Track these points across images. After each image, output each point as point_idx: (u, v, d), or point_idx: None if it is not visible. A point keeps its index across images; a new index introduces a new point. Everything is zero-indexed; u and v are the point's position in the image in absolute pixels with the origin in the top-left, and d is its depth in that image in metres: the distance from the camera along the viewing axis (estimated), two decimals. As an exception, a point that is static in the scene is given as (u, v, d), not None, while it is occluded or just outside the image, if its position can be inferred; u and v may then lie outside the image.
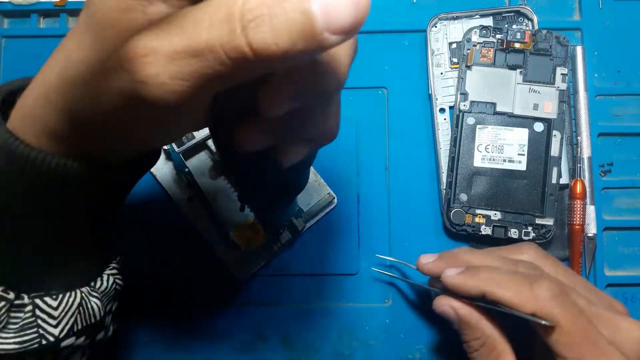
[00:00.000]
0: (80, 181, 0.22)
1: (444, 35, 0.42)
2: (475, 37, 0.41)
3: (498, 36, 0.41)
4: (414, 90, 0.43)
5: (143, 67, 0.16)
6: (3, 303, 0.24)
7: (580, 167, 0.41)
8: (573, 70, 0.42)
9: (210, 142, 0.40)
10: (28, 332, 0.25)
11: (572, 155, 0.41)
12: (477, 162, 0.40)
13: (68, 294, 0.26)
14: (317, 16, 0.14)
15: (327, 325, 0.40)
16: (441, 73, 0.42)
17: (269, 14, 0.14)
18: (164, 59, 0.15)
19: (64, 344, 0.26)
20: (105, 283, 0.29)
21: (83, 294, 0.27)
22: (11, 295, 0.24)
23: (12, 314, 0.24)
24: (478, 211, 0.40)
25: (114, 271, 0.30)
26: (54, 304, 0.25)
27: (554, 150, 0.40)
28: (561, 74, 0.40)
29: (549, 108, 0.40)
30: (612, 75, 0.43)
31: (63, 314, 0.26)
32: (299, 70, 0.17)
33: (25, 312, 0.25)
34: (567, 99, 0.41)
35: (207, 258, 0.40)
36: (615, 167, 0.42)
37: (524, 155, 0.40)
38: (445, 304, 0.32)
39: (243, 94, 0.17)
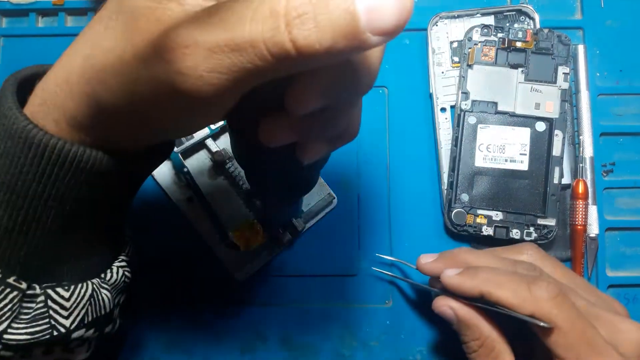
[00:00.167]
0: (97, 170, 0.22)
1: (445, 34, 0.42)
2: (476, 36, 0.41)
3: (499, 35, 0.41)
4: (415, 89, 0.43)
5: (183, 59, 0.16)
6: (15, 293, 0.23)
7: (582, 167, 0.41)
8: (575, 70, 0.42)
9: (209, 142, 0.40)
10: (40, 322, 0.24)
11: (574, 155, 0.41)
12: (479, 161, 0.40)
13: (80, 285, 0.26)
14: (361, 16, 0.14)
15: (328, 325, 0.40)
16: (442, 72, 0.42)
17: (314, 12, 0.14)
18: (204, 51, 0.15)
19: (74, 335, 0.26)
20: (115, 275, 0.28)
21: (94, 286, 0.27)
22: (24, 285, 0.24)
23: (24, 304, 0.24)
24: (479, 211, 0.40)
25: (123, 263, 0.30)
26: (66, 294, 0.25)
27: (556, 150, 0.40)
28: (563, 73, 0.40)
29: (551, 107, 0.40)
30: (614, 74, 0.43)
31: (75, 305, 0.25)
32: (331, 69, 0.17)
33: (38, 303, 0.24)
34: (569, 98, 0.40)
35: (207, 258, 0.40)
36: (617, 167, 0.42)
37: (525, 155, 0.40)
38: (444, 305, 0.32)
39: (270, 88, 0.17)
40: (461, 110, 0.40)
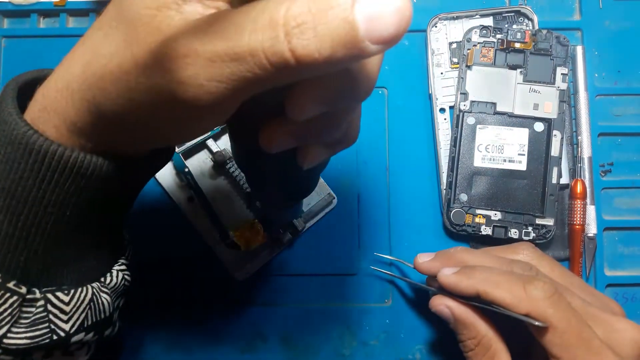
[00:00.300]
0: (98, 176, 0.22)
1: (444, 35, 0.42)
2: (475, 37, 0.41)
3: (498, 36, 0.41)
4: (414, 90, 0.43)
5: (183, 68, 0.16)
6: (15, 297, 0.23)
7: (580, 167, 0.41)
8: (573, 70, 0.42)
9: (210, 142, 0.40)
10: (39, 327, 0.24)
11: (573, 155, 0.41)
12: (478, 162, 0.40)
13: (80, 289, 0.26)
14: (360, 25, 0.14)
15: (327, 325, 0.40)
16: (441, 73, 0.42)
17: (313, 22, 0.14)
18: (204, 60, 0.16)
19: (73, 339, 0.26)
20: (115, 279, 0.29)
21: (94, 290, 0.27)
22: (23, 290, 0.24)
23: (24, 309, 0.24)
24: (478, 211, 0.40)
25: (123, 267, 0.30)
26: (66, 299, 0.25)
27: (554, 150, 0.40)
28: (561, 73, 0.40)
29: (549, 108, 0.40)
30: (612, 75, 0.43)
31: (74, 309, 0.26)
32: (330, 76, 0.17)
33: (37, 307, 0.24)
34: (568, 98, 0.41)
35: (207, 258, 0.40)
36: (615, 167, 0.42)
37: (524, 155, 0.40)
38: (441, 304, 0.33)
39: (270, 95, 0.18)
40: (460, 110, 0.41)
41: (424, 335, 0.40)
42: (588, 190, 0.40)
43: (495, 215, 0.40)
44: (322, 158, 0.22)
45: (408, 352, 0.40)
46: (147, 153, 0.25)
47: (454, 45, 0.42)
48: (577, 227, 0.40)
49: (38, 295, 0.25)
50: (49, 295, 0.25)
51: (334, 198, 0.41)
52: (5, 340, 0.23)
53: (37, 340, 0.24)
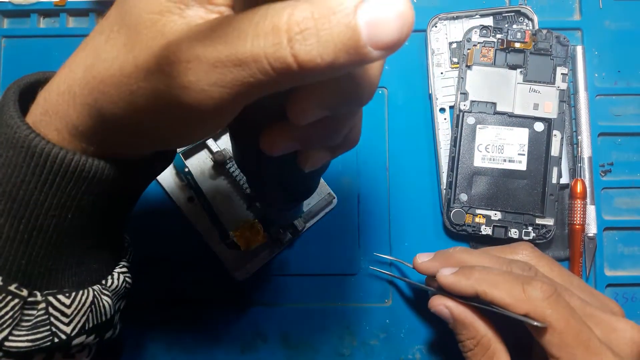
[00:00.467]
0: (99, 179, 0.23)
1: (444, 35, 0.42)
2: (475, 37, 0.41)
3: (498, 36, 0.41)
4: (414, 90, 0.43)
5: (185, 73, 0.16)
6: (17, 300, 0.23)
7: (580, 166, 0.41)
8: (573, 70, 0.42)
9: (210, 142, 0.40)
10: (41, 330, 0.24)
11: (573, 155, 0.41)
12: (478, 162, 0.40)
13: (81, 292, 0.26)
14: (362, 31, 0.14)
15: (327, 325, 0.40)
16: (441, 73, 0.42)
17: (316, 27, 0.14)
18: (207, 66, 0.16)
19: (74, 342, 0.26)
20: (116, 281, 0.29)
21: (95, 292, 0.27)
22: (25, 293, 0.24)
23: (25, 312, 0.24)
24: (478, 211, 0.40)
25: (124, 269, 0.30)
26: (67, 302, 0.25)
27: (554, 150, 0.40)
28: (561, 73, 0.40)
29: (549, 108, 0.40)
30: (612, 75, 0.43)
31: (76, 312, 0.26)
32: (332, 81, 0.17)
33: (39, 310, 0.24)
34: (568, 98, 0.41)
35: (207, 258, 0.40)
36: (615, 167, 0.42)
37: (524, 155, 0.40)
38: (440, 304, 0.33)
39: (272, 98, 0.18)
40: (460, 110, 0.41)
41: (423, 335, 0.40)
42: (588, 190, 0.40)
43: (495, 215, 0.40)
44: (323, 161, 0.22)
45: (408, 352, 0.40)
46: (149, 156, 0.25)
47: (454, 45, 0.42)
48: (577, 227, 0.40)
49: (39, 298, 0.25)
50: (50, 298, 0.25)
51: (334, 198, 0.41)
52: (6, 343, 0.23)
53: (38, 343, 0.24)
